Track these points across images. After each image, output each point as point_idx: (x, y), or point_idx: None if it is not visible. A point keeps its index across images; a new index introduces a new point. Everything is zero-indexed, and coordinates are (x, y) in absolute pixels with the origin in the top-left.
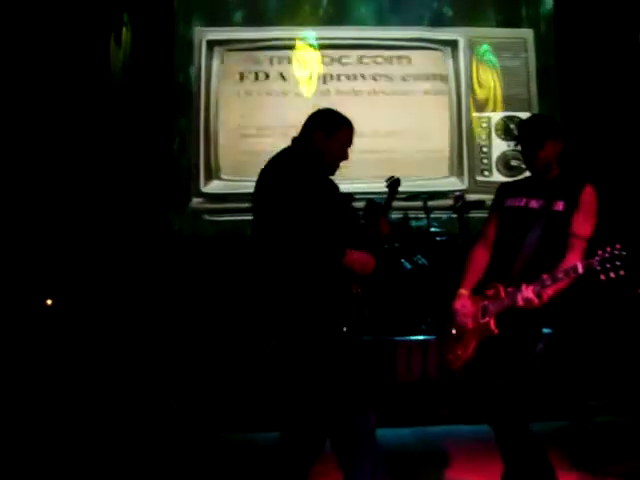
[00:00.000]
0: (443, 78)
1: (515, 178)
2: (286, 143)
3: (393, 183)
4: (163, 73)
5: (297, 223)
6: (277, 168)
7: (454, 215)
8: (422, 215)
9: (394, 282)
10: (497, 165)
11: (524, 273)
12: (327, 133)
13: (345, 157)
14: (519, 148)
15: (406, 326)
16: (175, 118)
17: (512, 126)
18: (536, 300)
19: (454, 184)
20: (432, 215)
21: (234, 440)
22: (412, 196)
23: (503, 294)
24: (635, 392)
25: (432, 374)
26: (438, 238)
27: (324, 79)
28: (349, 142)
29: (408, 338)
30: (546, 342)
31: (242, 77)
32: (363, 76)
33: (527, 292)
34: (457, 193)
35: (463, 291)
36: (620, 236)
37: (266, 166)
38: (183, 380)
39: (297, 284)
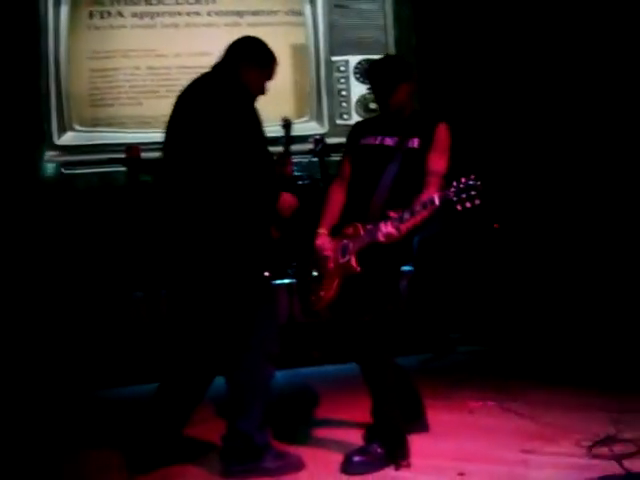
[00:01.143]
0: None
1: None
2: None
3: (287, 124)
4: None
5: (238, 159)
6: (203, 98)
7: (315, 159)
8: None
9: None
10: (356, 108)
11: (382, 210)
12: (259, 67)
13: (265, 91)
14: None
15: (272, 271)
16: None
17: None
18: (396, 233)
19: (314, 128)
20: (293, 160)
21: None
22: (272, 141)
23: (362, 232)
24: (491, 323)
25: (299, 317)
26: (300, 182)
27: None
28: (272, 78)
29: (275, 282)
30: (409, 279)
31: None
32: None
33: (386, 227)
34: (317, 137)
35: (321, 230)
36: (475, 170)
37: (188, 96)
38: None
39: (229, 225)
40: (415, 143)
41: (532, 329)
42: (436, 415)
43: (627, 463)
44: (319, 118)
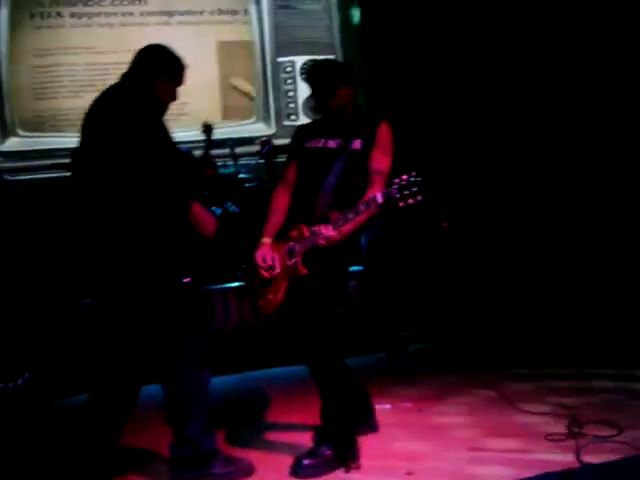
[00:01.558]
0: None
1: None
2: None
3: (206, 128)
4: None
5: (145, 171)
6: (115, 112)
7: (262, 160)
8: (230, 162)
9: None
10: (303, 109)
11: (326, 212)
12: (170, 77)
13: (176, 98)
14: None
15: (221, 274)
16: None
17: None
18: (336, 235)
19: (261, 130)
20: (240, 162)
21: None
22: (219, 143)
23: (307, 233)
24: (442, 321)
25: (249, 320)
26: (247, 184)
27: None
28: (183, 83)
29: (224, 286)
30: (358, 279)
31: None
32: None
33: (327, 230)
34: (263, 138)
35: (265, 239)
36: (423, 168)
37: (98, 108)
38: None
39: (142, 233)
40: (357, 144)
41: (482, 324)
42: (385, 415)
43: (583, 456)
44: (266, 119)
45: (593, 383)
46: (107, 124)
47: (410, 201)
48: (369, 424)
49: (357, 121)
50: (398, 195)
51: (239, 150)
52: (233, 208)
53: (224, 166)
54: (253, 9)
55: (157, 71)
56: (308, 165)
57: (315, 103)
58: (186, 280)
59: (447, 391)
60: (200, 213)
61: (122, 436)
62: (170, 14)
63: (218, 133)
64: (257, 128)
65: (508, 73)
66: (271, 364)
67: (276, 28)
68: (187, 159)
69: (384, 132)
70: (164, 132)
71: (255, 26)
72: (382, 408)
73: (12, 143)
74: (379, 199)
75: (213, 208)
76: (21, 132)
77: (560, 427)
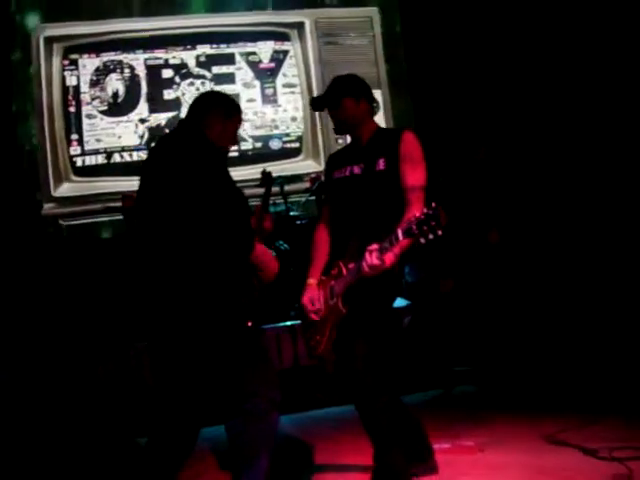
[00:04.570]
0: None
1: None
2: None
3: (266, 177)
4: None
5: (211, 214)
6: (179, 156)
7: (312, 197)
8: (280, 200)
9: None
10: None
11: (362, 244)
12: (223, 118)
13: (235, 140)
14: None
15: (275, 313)
16: (19, 122)
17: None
18: (379, 263)
19: (310, 166)
20: (290, 199)
21: None
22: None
23: (345, 271)
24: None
25: (304, 359)
26: (298, 222)
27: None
28: (239, 125)
29: (277, 325)
30: (412, 314)
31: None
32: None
33: (371, 258)
34: (313, 175)
35: (310, 281)
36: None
37: (156, 155)
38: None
39: (207, 278)
40: (381, 164)
41: (543, 361)
42: (444, 455)
43: None
44: (315, 156)
45: None
46: (166, 170)
47: (430, 237)
48: (427, 464)
49: (379, 139)
50: (417, 231)
51: (288, 188)
52: (285, 246)
53: (274, 204)
54: (298, 47)
55: (210, 114)
56: (339, 197)
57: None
58: (249, 323)
59: (509, 430)
60: (264, 255)
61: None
62: None
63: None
64: (306, 165)
65: (553, 79)
66: (328, 403)
67: (322, 64)
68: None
69: (409, 143)
70: (223, 175)
71: (300, 64)
72: (441, 448)
73: (65, 188)
74: (400, 236)
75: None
76: (74, 177)
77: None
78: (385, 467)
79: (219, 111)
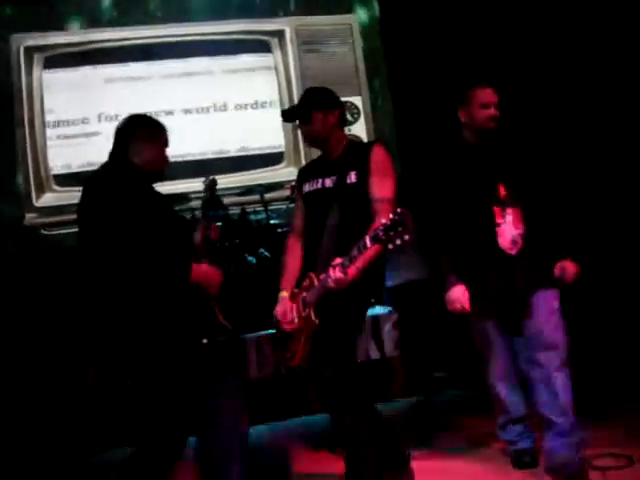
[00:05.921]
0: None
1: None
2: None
3: (209, 184)
4: None
5: (136, 244)
6: (99, 188)
7: (292, 205)
8: (260, 208)
9: (242, 278)
10: None
11: (331, 255)
12: (150, 139)
13: (164, 161)
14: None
15: (257, 321)
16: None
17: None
18: (344, 277)
19: (292, 174)
20: (270, 207)
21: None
22: (248, 190)
23: (316, 282)
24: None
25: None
26: (279, 230)
27: None
28: (167, 144)
29: (258, 333)
30: (394, 322)
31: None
32: None
33: (334, 272)
34: (293, 183)
35: (283, 293)
36: None
37: (88, 186)
38: None
39: (143, 305)
40: (353, 177)
41: None
42: (421, 462)
43: None
44: (297, 163)
45: None
46: (89, 210)
47: (398, 242)
48: (403, 471)
49: (351, 152)
50: (384, 237)
51: (269, 195)
52: (266, 254)
53: (254, 212)
54: (278, 56)
55: (134, 138)
56: (311, 209)
57: (301, 132)
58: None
59: (487, 436)
60: (199, 275)
61: None
62: None
63: (247, 179)
64: (287, 172)
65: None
66: (312, 412)
67: (302, 75)
68: (180, 223)
69: (378, 155)
70: (148, 202)
71: (282, 74)
72: (418, 454)
73: (48, 198)
74: (367, 243)
75: (246, 256)
76: (56, 187)
77: None
78: (357, 476)
79: (142, 134)
